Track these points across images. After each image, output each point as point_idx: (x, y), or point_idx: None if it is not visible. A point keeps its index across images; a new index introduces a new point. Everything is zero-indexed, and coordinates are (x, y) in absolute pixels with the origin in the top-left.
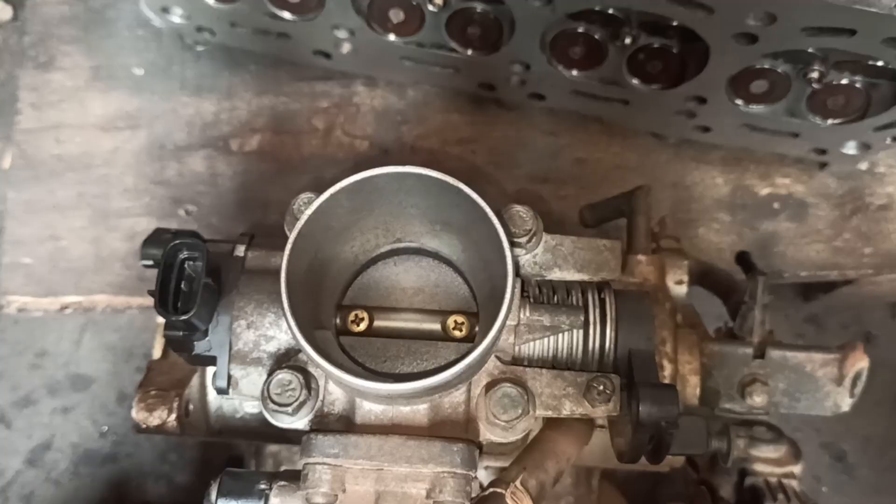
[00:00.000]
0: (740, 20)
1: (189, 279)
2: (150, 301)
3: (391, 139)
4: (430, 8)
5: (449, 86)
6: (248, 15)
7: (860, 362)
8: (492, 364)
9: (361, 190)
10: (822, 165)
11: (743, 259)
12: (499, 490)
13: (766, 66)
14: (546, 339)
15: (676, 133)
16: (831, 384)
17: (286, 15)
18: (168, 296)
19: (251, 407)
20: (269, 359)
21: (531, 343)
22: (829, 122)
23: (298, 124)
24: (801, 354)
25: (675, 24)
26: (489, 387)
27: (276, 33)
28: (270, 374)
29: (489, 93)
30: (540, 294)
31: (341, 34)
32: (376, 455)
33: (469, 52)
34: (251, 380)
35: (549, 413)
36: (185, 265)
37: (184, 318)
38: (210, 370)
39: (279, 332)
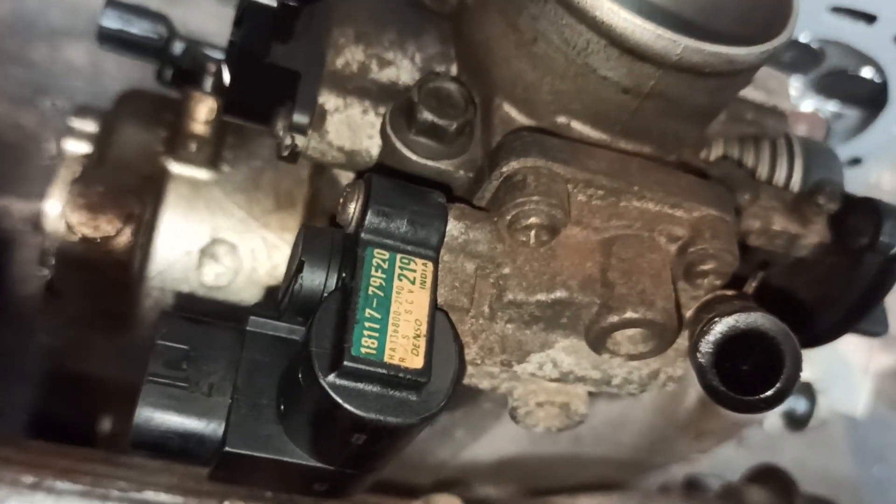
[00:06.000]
0: None
1: None
2: None
3: None
4: None
5: None
6: None
7: None
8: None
9: None
10: None
11: None
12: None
13: None
14: (735, 145)
15: None
16: None
17: None
18: None
19: (217, 275)
20: (381, 93)
21: (718, 143)
22: None
23: None
24: None
25: None
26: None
27: None
28: (411, 91)
29: None
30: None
31: None
32: (621, 173)
33: None
34: (348, 118)
35: (758, 224)
36: None
37: None
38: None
39: (402, 57)
